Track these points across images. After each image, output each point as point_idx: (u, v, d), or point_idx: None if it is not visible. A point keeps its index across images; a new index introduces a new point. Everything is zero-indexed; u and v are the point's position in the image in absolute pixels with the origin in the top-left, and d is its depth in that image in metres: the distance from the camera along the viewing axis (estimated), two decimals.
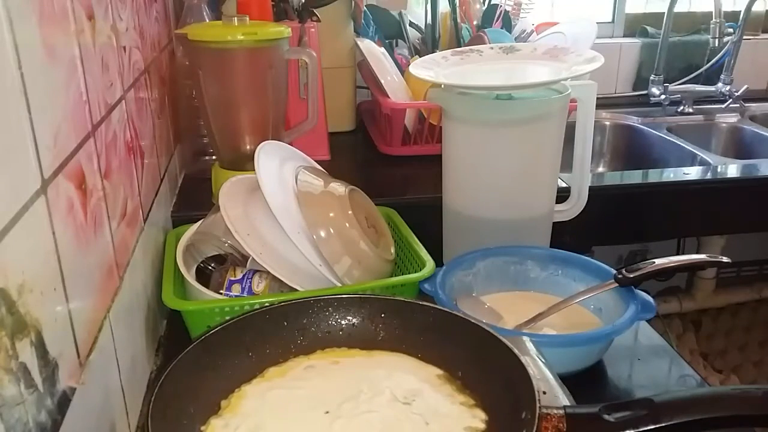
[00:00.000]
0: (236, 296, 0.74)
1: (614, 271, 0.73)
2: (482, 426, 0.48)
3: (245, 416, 0.50)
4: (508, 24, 1.42)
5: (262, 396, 0.52)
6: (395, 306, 0.60)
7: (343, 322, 0.60)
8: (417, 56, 1.31)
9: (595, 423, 0.45)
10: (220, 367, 0.54)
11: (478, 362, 0.53)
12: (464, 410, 0.50)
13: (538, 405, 0.43)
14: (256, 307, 0.62)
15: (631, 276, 0.71)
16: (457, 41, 1.38)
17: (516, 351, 0.49)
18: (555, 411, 0.44)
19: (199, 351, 0.53)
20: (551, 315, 0.73)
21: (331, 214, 0.74)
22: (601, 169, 1.68)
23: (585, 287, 0.76)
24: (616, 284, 0.72)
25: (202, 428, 0.49)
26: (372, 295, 0.64)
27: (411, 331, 0.58)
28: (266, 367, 0.56)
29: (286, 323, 0.58)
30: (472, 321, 0.55)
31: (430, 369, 0.55)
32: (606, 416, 0.44)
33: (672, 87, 1.71)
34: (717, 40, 1.61)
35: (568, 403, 0.59)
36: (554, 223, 0.93)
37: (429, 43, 1.41)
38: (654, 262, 0.71)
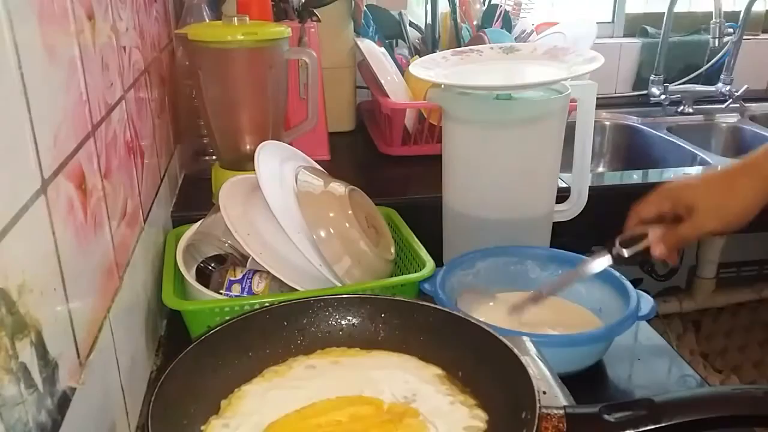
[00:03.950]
0: (236, 296, 0.74)
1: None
2: (482, 426, 0.48)
3: (245, 416, 0.50)
4: (508, 24, 1.42)
5: (262, 396, 0.52)
6: (395, 306, 0.60)
7: (343, 322, 0.60)
8: (417, 56, 1.31)
9: (595, 423, 0.45)
10: (220, 367, 0.54)
11: (478, 362, 0.53)
12: (464, 410, 0.50)
13: (538, 405, 0.43)
14: (256, 307, 0.62)
15: (627, 257, 0.69)
16: (457, 41, 1.38)
17: (516, 351, 0.49)
18: (555, 411, 0.44)
19: (199, 351, 0.53)
20: (550, 296, 0.73)
21: (331, 214, 0.74)
22: (601, 169, 1.68)
23: (583, 287, 0.76)
24: (612, 260, 0.70)
25: (203, 428, 0.49)
26: (372, 295, 0.64)
27: (411, 331, 0.58)
28: (266, 366, 0.56)
29: (286, 323, 0.58)
30: (472, 321, 0.55)
31: (431, 369, 0.55)
32: (606, 416, 0.44)
33: (672, 87, 1.71)
34: (717, 40, 1.61)
35: (568, 403, 0.59)
36: (554, 223, 0.93)
37: (429, 43, 1.41)
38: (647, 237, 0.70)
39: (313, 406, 0.50)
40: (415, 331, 0.58)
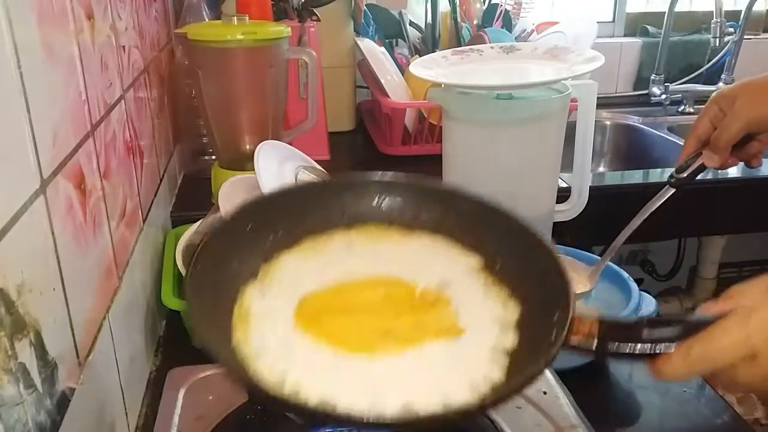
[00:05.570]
0: None
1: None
2: (513, 319, 0.46)
3: (282, 287, 0.48)
4: (508, 23, 1.42)
5: (300, 267, 0.51)
6: (439, 193, 0.58)
7: (384, 203, 0.58)
8: (417, 56, 1.31)
9: (629, 331, 0.43)
10: (262, 232, 0.52)
11: (517, 257, 0.50)
12: (498, 301, 0.48)
13: (572, 306, 0.42)
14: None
15: (684, 175, 0.71)
16: (457, 41, 1.38)
17: (557, 254, 0.47)
18: (588, 315, 0.43)
19: (244, 215, 0.51)
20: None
21: None
22: (601, 169, 1.68)
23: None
24: (673, 189, 0.72)
25: (242, 289, 0.47)
26: (415, 181, 0.62)
27: (453, 219, 0.56)
28: (307, 237, 0.54)
29: (328, 199, 0.57)
30: (514, 215, 0.53)
31: (469, 258, 0.53)
32: (643, 329, 0.42)
33: (673, 86, 1.71)
34: (718, 40, 1.61)
35: (569, 404, 0.59)
36: (554, 223, 0.93)
37: (429, 43, 1.41)
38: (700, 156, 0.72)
39: (347, 284, 0.49)
40: (457, 220, 0.56)
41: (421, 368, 0.42)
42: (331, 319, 0.46)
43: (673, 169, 0.74)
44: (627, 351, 0.41)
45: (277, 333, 0.43)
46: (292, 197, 0.56)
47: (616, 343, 0.41)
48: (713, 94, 0.73)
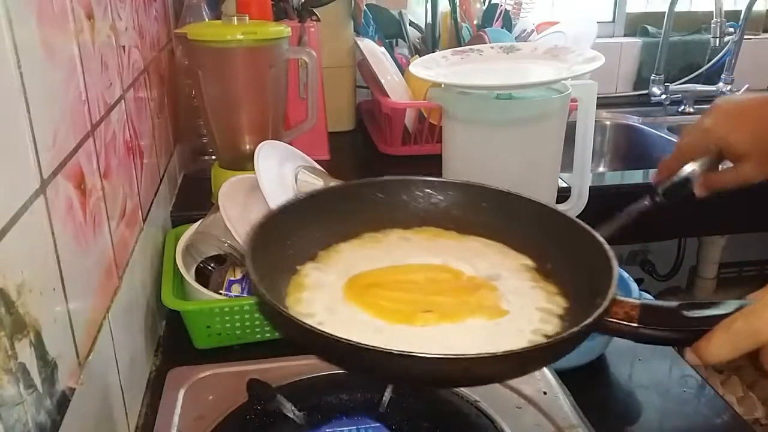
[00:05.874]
0: (236, 296, 0.74)
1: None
2: (559, 311, 0.47)
3: (337, 266, 0.51)
4: (508, 23, 1.42)
5: (355, 254, 0.53)
6: (495, 195, 0.59)
7: (442, 204, 0.59)
8: (417, 56, 1.31)
9: (669, 315, 0.43)
10: (323, 222, 0.54)
11: (569, 258, 0.51)
12: (543, 295, 0.49)
13: (611, 288, 0.42)
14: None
15: (668, 200, 0.68)
16: (457, 41, 1.38)
17: (607, 247, 0.48)
18: (629, 300, 0.43)
19: (307, 204, 0.54)
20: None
21: None
22: (601, 169, 1.68)
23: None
24: (651, 203, 0.69)
25: (298, 267, 0.50)
26: (474, 183, 0.62)
27: (508, 221, 0.57)
28: (365, 231, 0.56)
29: (388, 197, 0.58)
30: (570, 217, 0.54)
31: (521, 258, 0.55)
32: (684, 312, 0.42)
33: (673, 87, 1.71)
34: (718, 40, 1.61)
35: (569, 404, 0.59)
36: None
37: (429, 43, 1.41)
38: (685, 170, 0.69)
39: (397, 266, 0.52)
40: (512, 221, 0.57)
41: (459, 337, 0.44)
42: (376, 292, 0.48)
43: (654, 179, 0.72)
44: (667, 333, 0.42)
45: (325, 300, 0.47)
46: (354, 193, 0.58)
47: (656, 327, 0.42)
48: (706, 123, 0.67)
